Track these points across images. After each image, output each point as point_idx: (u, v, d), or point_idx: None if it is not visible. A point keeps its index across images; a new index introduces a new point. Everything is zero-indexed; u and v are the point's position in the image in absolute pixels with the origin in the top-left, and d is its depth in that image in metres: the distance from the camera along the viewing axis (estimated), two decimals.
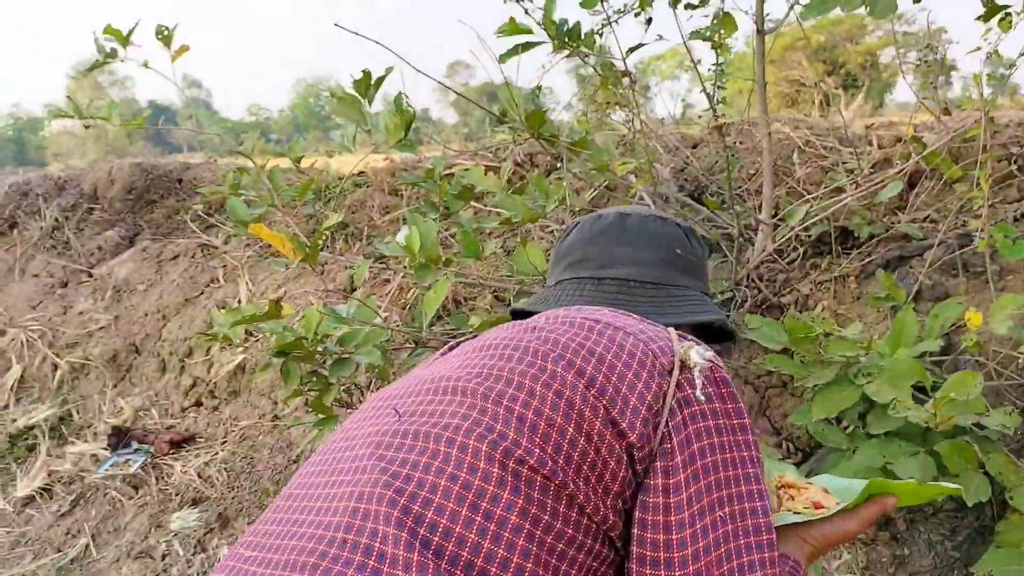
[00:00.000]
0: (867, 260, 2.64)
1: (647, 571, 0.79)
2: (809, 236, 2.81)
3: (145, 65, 2.40)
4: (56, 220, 4.50)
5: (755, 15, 2.32)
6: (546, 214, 2.07)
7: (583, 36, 2.20)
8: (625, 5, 2.33)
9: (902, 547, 2.13)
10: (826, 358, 2.03)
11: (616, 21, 2.29)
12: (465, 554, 0.74)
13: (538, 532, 0.76)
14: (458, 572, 0.73)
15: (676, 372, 0.85)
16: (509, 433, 0.79)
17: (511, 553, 0.75)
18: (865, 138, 3.18)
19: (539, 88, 2.51)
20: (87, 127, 2.45)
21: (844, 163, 3.02)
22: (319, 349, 2.24)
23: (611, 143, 2.38)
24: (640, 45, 2.26)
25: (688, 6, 2.38)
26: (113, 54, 2.38)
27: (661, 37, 2.34)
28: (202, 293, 3.71)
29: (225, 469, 2.97)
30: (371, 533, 0.74)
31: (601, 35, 2.32)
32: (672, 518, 0.80)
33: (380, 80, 2.13)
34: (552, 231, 3.24)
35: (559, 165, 3.46)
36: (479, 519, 0.75)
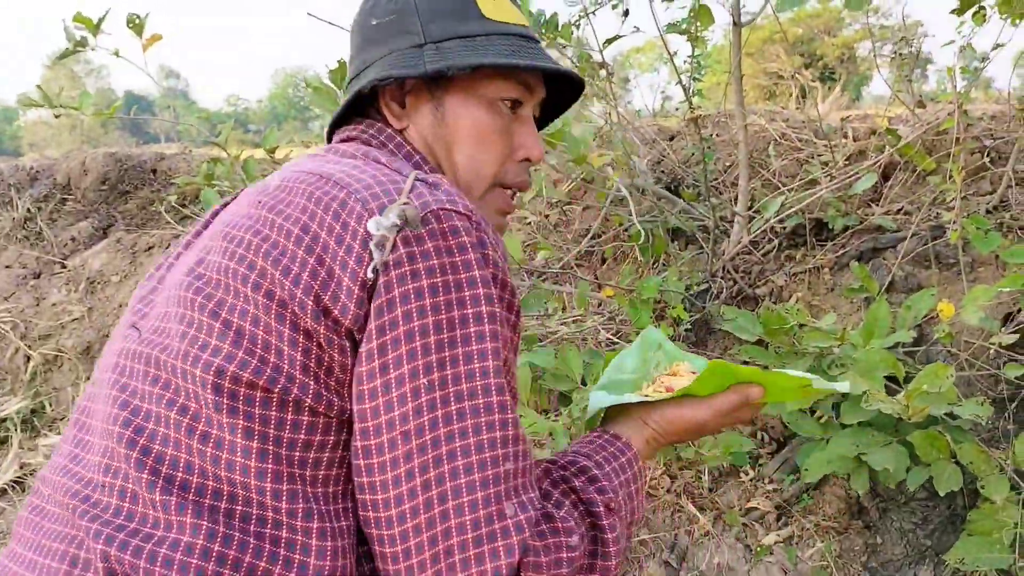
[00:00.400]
0: (841, 252, 2.67)
1: (366, 498, 0.76)
2: (784, 228, 2.83)
3: (116, 54, 2.37)
4: (29, 211, 4.43)
5: (731, 7, 2.33)
6: (523, 205, 2.06)
7: (560, 28, 2.20)
8: None
9: (874, 535, 2.16)
10: (800, 349, 2.05)
11: (593, 13, 2.29)
12: (210, 484, 0.74)
13: (270, 447, 0.74)
14: (206, 502, 0.74)
15: (379, 233, 0.74)
16: (224, 347, 0.75)
17: (247, 477, 0.74)
18: (840, 131, 3.20)
19: None
20: (57, 116, 2.42)
21: (819, 155, 3.05)
22: None
23: (588, 135, 2.38)
24: (617, 37, 2.26)
25: None
26: (84, 42, 2.34)
27: (638, 29, 2.34)
28: None
29: None
30: (124, 475, 0.76)
31: (578, 27, 2.32)
32: (374, 408, 0.74)
33: None
34: (529, 222, 3.24)
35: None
36: (210, 449, 0.74)
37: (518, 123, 0.98)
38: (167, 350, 0.79)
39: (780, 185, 2.94)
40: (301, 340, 0.75)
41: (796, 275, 2.71)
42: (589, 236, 2.86)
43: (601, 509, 0.84)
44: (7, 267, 4.23)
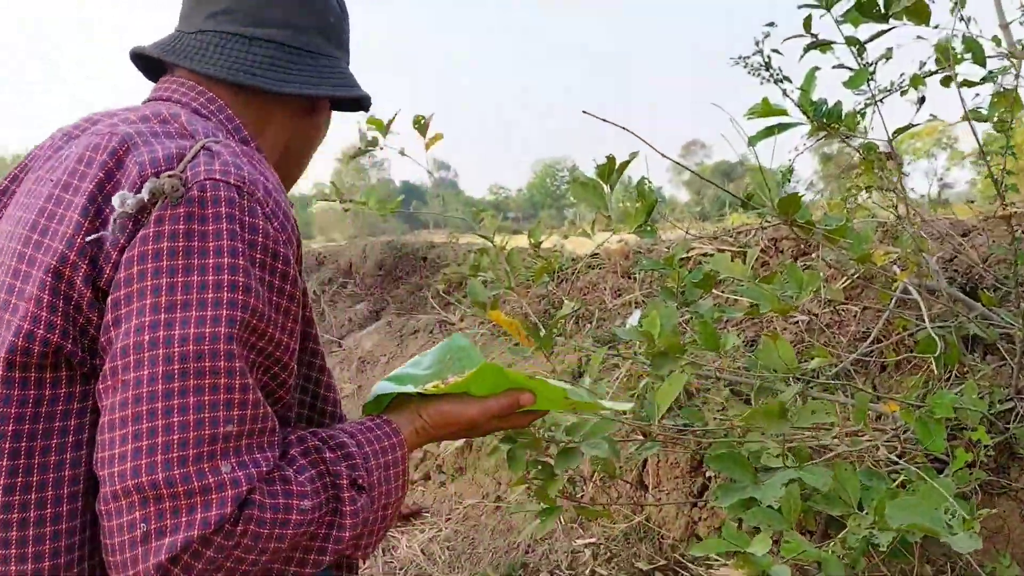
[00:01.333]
0: None
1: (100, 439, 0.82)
2: None
3: (401, 153, 2.54)
4: (315, 293, 4.91)
5: None
6: (797, 306, 1.89)
7: (844, 117, 2.04)
8: (892, 83, 2.14)
9: None
10: None
11: (881, 100, 2.10)
12: (4, 463, 0.81)
13: (27, 413, 0.81)
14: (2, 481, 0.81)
15: (120, 210, 0.80)
16: (13, 321, 0.82)
17: (3, 442, 0.80)
18: None
19: (790, 171, 2.36)
20: (347, 210, 2.62)
21: None
22: (545, 436, 2.19)
23: (870, 230, 2.16)
24: (911, 125, 2.05)
25: (966, 83, 2.14)
26: (374, 142, 2.54)
27: (934, 117, 2.11)
28: None
29: (448, 547, 2.97)
30: None
31: (863, 115, 2.14)
32: (110, 357, 0.80)
33: (624, 165, 2.09)
34: (797, 322, 3.01)
35: (808, 252, 3.23)
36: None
37: None
38: None
39: None
40: (71, 311, 0.83)
41: None
42: (869, 340, 2.58)
43: (344, 482, 0.89)
44: None
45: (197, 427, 0.77)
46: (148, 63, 1.13)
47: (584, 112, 1.90)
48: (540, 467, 2.23)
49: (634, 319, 3.49)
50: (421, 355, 1.29)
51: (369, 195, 2.51)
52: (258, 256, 0.84)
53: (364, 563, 3.25)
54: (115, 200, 0.80)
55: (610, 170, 2.32)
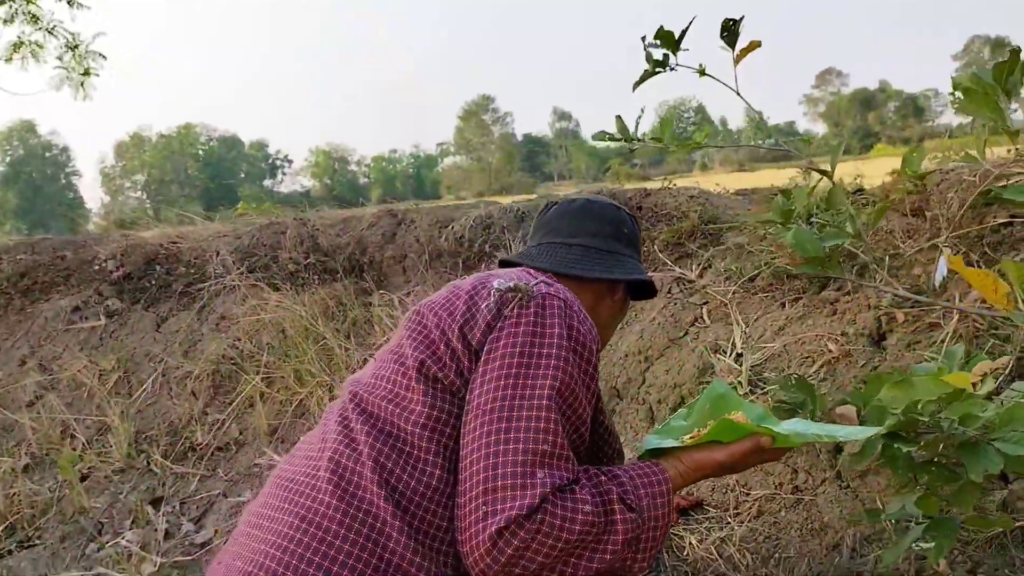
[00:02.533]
0: None
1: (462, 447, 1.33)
2: None
3: (701, 72, 2.00)
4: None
5: None
6: None
7: None
8: None
9: None
10: None
11: None
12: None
13: (435, 414, 1.34)
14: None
15: (497, 290, 1.39)
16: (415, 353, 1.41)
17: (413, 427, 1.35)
18: None
19: None
20: (633, 150, 2.14)
21: None
22: (938, 426, 1.62)
23: None
24: None
25: None
26: (664, 60, 2.02)
27: None
28: (686, 334, 3.33)
29: (748, 549, 2.48)
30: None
31: None
32: (473, 394, 1.32)
33: None
34: None
35: None
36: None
37: None
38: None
39: None
40: (453, 348, 1.39)
41: None
42: None
43: (615, 498, 1.26)
44: None
45: (525, 442, 1.23)
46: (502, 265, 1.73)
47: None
48: (935, 469, 1.69)
49: (942, 270, 2.81)
50: (687, 406, 1.68)
51: (665, 128, 2.00)
52: (576, 347, 1.35)
53: None
54: (496, 283, 1.41)
55: (1011, 69, 1.71)
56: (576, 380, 1.31)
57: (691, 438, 1.43)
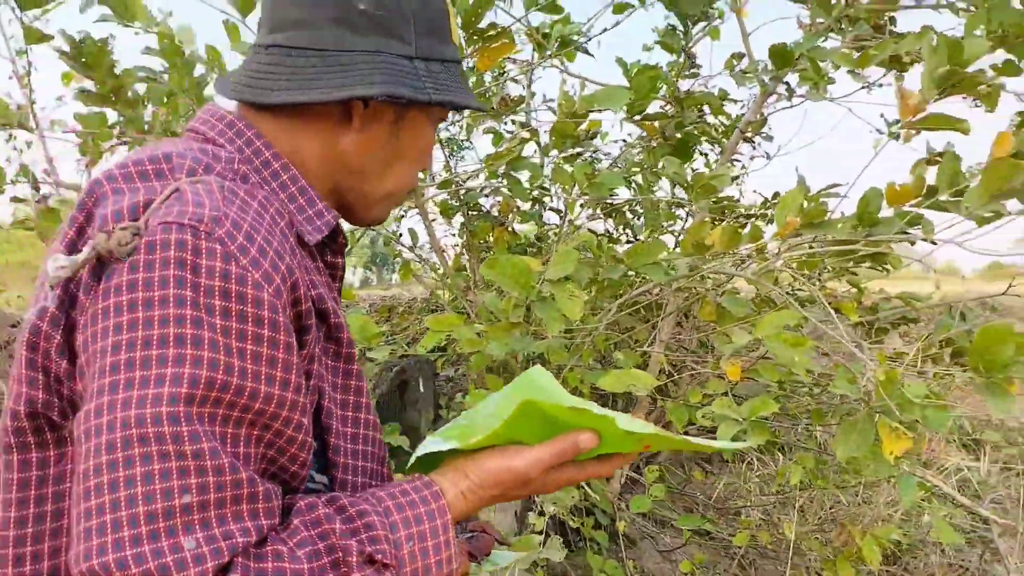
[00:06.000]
0: None
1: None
2: None
3: None
4: None
5: None
6: None
7: None
8: None
9: None
10: None
11: None
12: None
13: (30, 480, 0.77)
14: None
15: (53, 275, 0.72)
16: (9, 399, 0.78)
17: (8, 510, 0.77)
18: None
19: None
20: None
21: None
22: None
23: None
24: None
25: None
26: None
27: None
28: None
29: None
30: None
31: None
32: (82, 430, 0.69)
33: None
34: None
35: None
36: None
37: None
38: None
39: None
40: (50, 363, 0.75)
41: None
42: None
43: (354, 558, 0.72)
44: None
45: (147, 500, 0.64)
46: None
47: None
48: None
49: None
50: (489, 398, 1.00)
51: None
52: (217, 302, 0.70)
53: None
54: (48, 264, 0.71)
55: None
56: (234, 357, 0.70)
57: (478, 440, 0.84)
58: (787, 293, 2.53)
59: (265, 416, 0.73)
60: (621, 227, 3.61)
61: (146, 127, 2.36)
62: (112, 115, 2.32)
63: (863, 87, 2.80)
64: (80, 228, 0.78)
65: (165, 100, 2.36)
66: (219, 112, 0.91)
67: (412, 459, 0.91)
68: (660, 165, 2.69)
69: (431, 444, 0.88)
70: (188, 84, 2.32)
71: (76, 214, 0.78)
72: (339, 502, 0.76)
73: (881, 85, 2.86)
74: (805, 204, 1.96)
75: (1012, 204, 1.76)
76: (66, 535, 0.76)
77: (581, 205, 2.86)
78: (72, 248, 0.77)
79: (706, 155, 3.53)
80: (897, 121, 1.88)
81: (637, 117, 2.71)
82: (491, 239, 3.19)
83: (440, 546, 0.78)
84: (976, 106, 2.50)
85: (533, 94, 3.12)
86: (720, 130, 3.34)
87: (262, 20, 0.93)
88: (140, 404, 0.66)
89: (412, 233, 3.50)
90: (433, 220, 3.30)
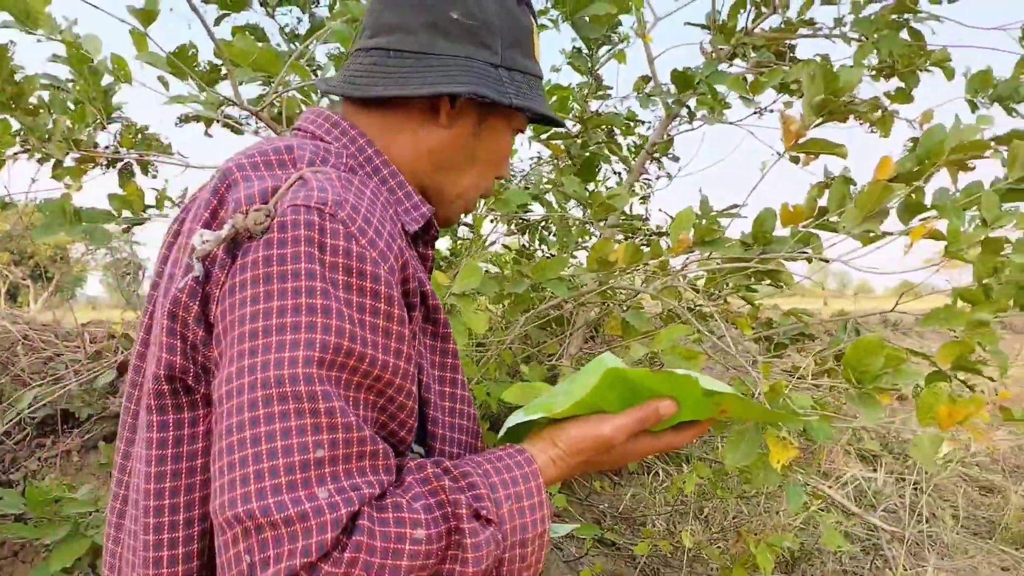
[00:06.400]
0: (87, 436, 3.08)
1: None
2: (34, 419, 3.16)
3: None
4: None
5: None
6: None
7: None
8: None
9: None
10: (61, 518, 2.10)
11: None
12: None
13: (168, 439, 0.83)
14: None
15: (200, 248, 0.78)
16: (151, 364, 0.85)
17: (149, 466, 0.83)
18: (81, 335, 3.72)
19: None
20: None
21: (61, 355, 3.55)
22: None
23: None
24: None
25: None
26: None
27: None
28: None
29: None
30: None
31: None
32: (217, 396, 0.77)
33: None
34: None
35: None
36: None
37: None
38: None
39: (29, 381, 3.32)
40: (188, 338, 0.82)
41: (47, 459, 3.06)
42: None
43: (464, 511, 0.78)
44: None
45: (286, 454, 0.71)
46: None
47: None
48: None
49: None
50: (562, 381, 1.04)
51: None
52: (341, 277, 0.77)
53: None
54: (195, 239, 0.78)
55: None
56: (356, 327, 0.77)
57: (563, 410, 0.90)
58: (688, 309, 2.58)
59: (381, 383, 0.80)
60: (537, 242, 3.67)
61: (47, 136, 2.29)
62: (15, 123, 2.27)
63: (755, 112, 2.93)
64: (214, 211, 0.86)
65: (72, 108, 2.31)
66: (324, 112, 1.00)
67: (501, 431, 0.99)
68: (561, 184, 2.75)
69: (518, 417, 0.95)
70: (96, 92, 2.28)
71: (211, 198, 0.87)
72: (444, 464, 0.84)
73: (772, 111, 2.98)
74: (698, 223, 2.01)
75: (895, 224, 1.83)
76: (200, 490, 0.83)
77: (491, 221, 2.89)
78: (208, 228, 0.85)
79: (619, 174, 3.59)
80: None
81: (543, 136, 2.76)
82: None
83: (535, 506, 0.85)
84: (872, 132, 2.63)
85: None
86: (631, 150, 3.40)
87: (363, 25, 1.04)
88: (278, 366, 0.73)
89: None
90: None
